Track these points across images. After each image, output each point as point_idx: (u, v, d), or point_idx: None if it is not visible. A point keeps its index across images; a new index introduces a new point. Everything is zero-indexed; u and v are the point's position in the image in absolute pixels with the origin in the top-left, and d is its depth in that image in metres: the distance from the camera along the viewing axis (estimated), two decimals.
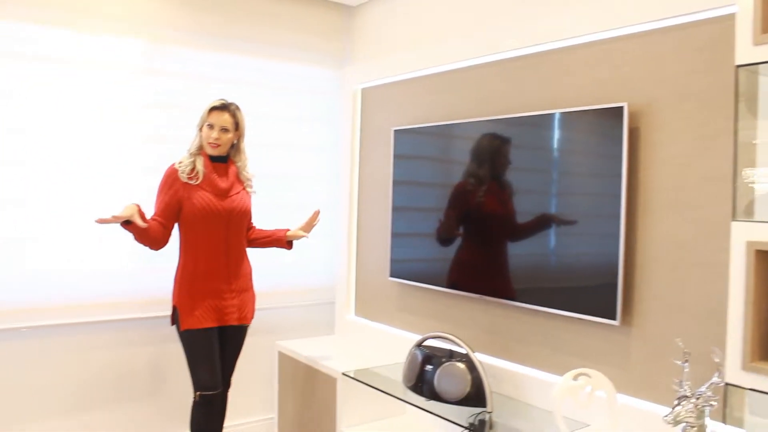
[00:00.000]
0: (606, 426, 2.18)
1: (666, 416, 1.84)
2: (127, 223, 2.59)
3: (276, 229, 3.08)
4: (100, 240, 3.11)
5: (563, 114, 2.47)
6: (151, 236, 2.71)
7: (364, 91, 3.67)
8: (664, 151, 2.20)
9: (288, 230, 3.05)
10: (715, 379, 1.81)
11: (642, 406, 2.24)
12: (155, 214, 2.77)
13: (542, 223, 2.57)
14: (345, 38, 3.90)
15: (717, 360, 1.80)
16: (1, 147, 2.86)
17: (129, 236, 2.81)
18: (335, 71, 3.87)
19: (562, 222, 2.51)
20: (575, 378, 2.17)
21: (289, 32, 3.67)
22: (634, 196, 2.27)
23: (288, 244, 3.08)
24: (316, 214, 3.03)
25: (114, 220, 2.53)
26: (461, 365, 2.58)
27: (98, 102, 3.10)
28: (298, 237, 3.03)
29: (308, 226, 3.03)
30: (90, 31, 3.06)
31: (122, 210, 2.57)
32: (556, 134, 2.53)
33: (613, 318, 2.28)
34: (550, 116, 2.52)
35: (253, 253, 3.07)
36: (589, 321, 2.40)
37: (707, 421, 1.81)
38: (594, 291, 2.36)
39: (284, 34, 3.66)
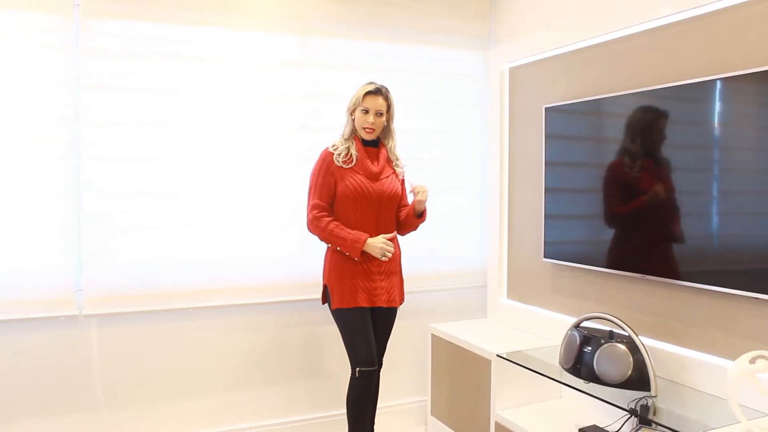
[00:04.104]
0: None
1: None
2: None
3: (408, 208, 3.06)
4: (260, 227, 3.31)
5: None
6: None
7: (511, 70, 3.60)
8: None
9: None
10: None
11: None
12: (316, 198, 2.90)
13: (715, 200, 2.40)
14: (490, 18, 3.85)
15: None
16: (172, 143, 3.12)
17: (285, 223, 3.10)
18: (481, 53, 3.84)
19: (740, 200, 2.33)
20: (752, 361, 2.01)
21: (434, 16, 3.69)
22: None
23: (418, 217, 3.01)
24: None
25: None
26: (622, 347, 2.48)
27: (253, 96, 3.27)
28: (418, 203, 2.96)
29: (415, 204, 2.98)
30: (244, 29, 3.24)
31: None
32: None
33: None
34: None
35: (406, 237, 3.13)
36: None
37: None
38: None
39: (429, 18, 3.68)
